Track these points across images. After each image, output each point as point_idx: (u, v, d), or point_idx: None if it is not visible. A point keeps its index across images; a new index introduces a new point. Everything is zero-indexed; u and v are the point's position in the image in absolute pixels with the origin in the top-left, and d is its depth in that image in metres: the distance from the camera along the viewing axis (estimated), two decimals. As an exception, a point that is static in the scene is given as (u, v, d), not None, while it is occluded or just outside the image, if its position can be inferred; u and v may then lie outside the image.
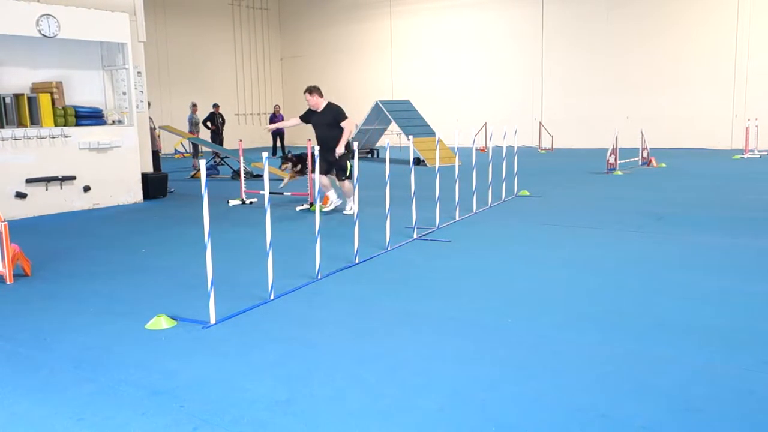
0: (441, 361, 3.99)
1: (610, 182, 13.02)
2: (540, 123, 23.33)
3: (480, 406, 3.37)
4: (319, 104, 9.38)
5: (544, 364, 3.90)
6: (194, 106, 19.25)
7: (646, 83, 22.21)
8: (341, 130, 9.20)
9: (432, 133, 17.86)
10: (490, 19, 25.17)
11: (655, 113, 21.82)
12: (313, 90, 9.40)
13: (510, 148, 11.41)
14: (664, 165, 15.68)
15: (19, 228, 8.43)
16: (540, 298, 5.26)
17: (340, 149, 9.04)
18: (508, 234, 8.02)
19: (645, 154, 15.90)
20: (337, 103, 9.54)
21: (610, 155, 14.56)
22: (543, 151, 21.91)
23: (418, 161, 16.72)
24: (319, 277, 5.93)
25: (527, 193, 11.12)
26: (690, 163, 16.70)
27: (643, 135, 15.95)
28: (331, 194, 9.67)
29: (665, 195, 11.00)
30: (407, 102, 20.21)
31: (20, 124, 10.15)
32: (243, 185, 11.27)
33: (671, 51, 21.78)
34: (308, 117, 9.58)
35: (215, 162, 16.66)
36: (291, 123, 10.44)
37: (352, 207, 8.44)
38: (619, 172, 14.26)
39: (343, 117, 9.29)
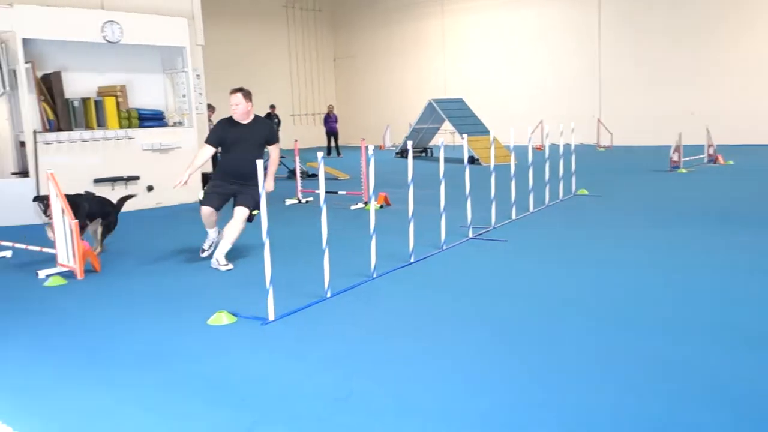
0: (499, 361, 3.97)
1: (673, 181, 12.68)
2: (598, 120, 22.86)
3: (539, 408, 3.35)
4: (247, 113, 6.76)
5: (606, 368, 3.84)
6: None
7: (710, 76, 21.45)
8: (264, 155, 6.66)
9: (486, 132, 17.72)
10: (545, 14, 24.82)
11: (721, 108, 20.95)
12: (241, 91, 6.83)
13: (567, 145, 11.23)
14: (731, 162, 15.14)
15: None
16: (600, 301, 5.17)
17: (270, 186, 6.60)
18: (566, 233, 7.90)
19: (711, 151, 15.35)
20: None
21: (674, 152, 14.13)
22: (602, 149, 21.47)
23: (472, 160, 16.62)
24: (374, 276, 5.97)
25: (586, 192, 10.93)
26: (760, 160, 16.02)
27: (708, 131, 15.41)
28: (213, 232, 6.94)
29: (732, 194, 10.65)
30: (460, 100, 20.11)
31: (87, 126, 10.53)
32: (299, 184, 11.42)
33: (738, 42, 21.00)
34: (223, 133, 6.79)
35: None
36: (204, 158, 7.08)
37: (222, 260, 6.57)
38: (684, 170, 13.85)
39: (276, 139, 6.96)
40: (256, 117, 6.89)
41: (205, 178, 11.94)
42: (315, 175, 13.74)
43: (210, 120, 19.00)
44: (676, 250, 6.76)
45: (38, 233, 7.50)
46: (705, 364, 3.78)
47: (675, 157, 14.11)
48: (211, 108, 19.17)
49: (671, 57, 22.16)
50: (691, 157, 14.99)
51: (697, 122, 18.26)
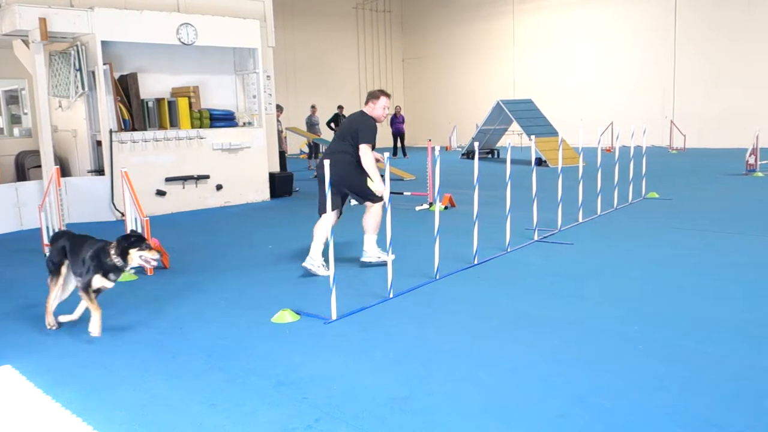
0: (562, 365, 3.89)
1: (749, 184, 12.16)
2: (671, 121, 22.14)
3: (603, 415, 3.26)
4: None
5: (674, 374, 3.71)
6: (313, 107, 19.83)
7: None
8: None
9: (555, 133, 17.42)
10: (618, 13, 24.21)
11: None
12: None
13: (638, 148, 10.91)
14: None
15: (158, 223, 9.00)
16: (668, 305, 5.01)
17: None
18: (634, 237, 7.68)
19: (791, 154, 14.68)
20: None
21: (750, 155, 13.57)
22: (674, 151, 20.79)
23: (539, 162, 16.36)
24: (437, 277, 5.94)
25: (656, 195, 10.61)
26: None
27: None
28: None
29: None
30: (529, 101, 19.82)
31: (161, 126, 10.87)
32: (364, 185, 11.47)
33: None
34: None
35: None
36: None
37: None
38: (761, 174, 13.26)
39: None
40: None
41: (271, 177, 12.17)
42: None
43: (279, 120, 19.36)
44: (748, 255, 6.47)
45: (112, 230, 7.78)
46: (784, 378, 3.61)
47: (751, 160, 13.53)
48: (279, 108, 19.48)
49: (748, 55, 21.24)
50: (770, 161, 14.36)
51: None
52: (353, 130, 6.38)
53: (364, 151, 6.22)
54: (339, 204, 6.39)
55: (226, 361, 4.16)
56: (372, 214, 6.40)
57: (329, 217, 5.24)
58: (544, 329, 4.56)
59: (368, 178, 6.31)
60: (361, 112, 6.59)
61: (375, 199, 6.36)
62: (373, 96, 6.60)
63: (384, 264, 5.94)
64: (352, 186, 6.35)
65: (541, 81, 26.15)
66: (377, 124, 6.49)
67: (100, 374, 4.03)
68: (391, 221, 5.37)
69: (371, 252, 6.48)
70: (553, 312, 4.93)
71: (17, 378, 4.01)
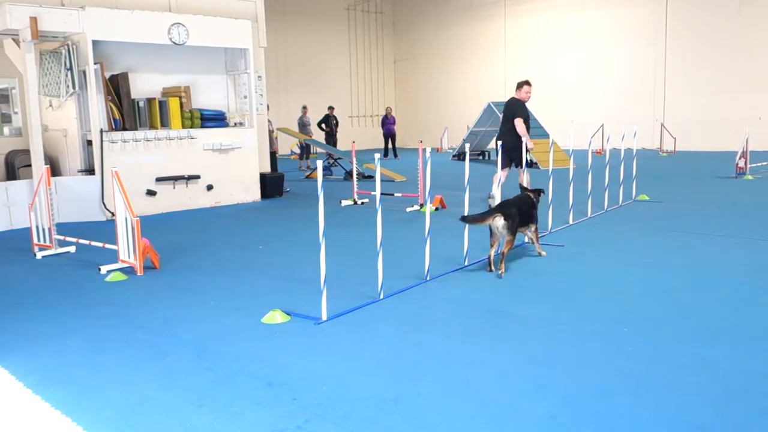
0: (552, 367, 3.91)
1: (739, 187, 12.25)
2: (662, 124, 22.27)
3: (593, 417, 3.27)
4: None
5: (663, 376, 3.73)
6: (304, 108, 19.83)
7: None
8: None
9: (545, 135, 17.48)
10: (609, 16, 24.32)
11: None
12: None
13: (628, 150, 10.96)
14: (800, 169, 14.55)
15: (149, 223, 8.98)
16: (658, 308, 5.03)
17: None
18: (624, 239, 7.72)
19: (779, 158, 14.79)
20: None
21: (740, 158, 13.66)
22: (664, 154, 20.90)
23: (530, 164, 16.39)
24: (428, 279, 5.95)
25: (646, 198, 10.66)
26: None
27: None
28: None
29: (801, 202, 10.21)
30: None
31: (152, 126, 10.84)
32: (355, 186, 11.49)
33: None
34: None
35: (329, 163, 17.08)
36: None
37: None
38: (750, 177, 13.36)
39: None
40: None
41: (262, 178, 12.15)
42: (371, 177, 13.82)
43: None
44: (737, 257, 6.52)
45: (102, 230, 7.76)
46: (770, 380, 3.64)
47: (741, 163, 13.62)
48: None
49: (737, 59, 21.41)
50: (759, 164, 14.46)
51: (765, 127, 17.60)
52: (511, 111, 9.77)
53: (517, 122, 9.58)
54: (508, 163, 9.57)
55: (215, 361, 4.15)
56: (523, 176, 8.76)
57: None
58: (533, 331, 4.58)
59: (524, 145, 8.99)
60: (513, 97, 10.04)
61: (522, 165, 8.92)
62: (520, 85, 10.00)
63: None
64: (512, 151, 9.40)
65: (532, 83, 26.15)
66: (523, 102, 9.87)
67: (89, 374, 4.01)
68: (381, 222, 5.37)
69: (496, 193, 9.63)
70: (542, 313, 4.95)
71: (6, 378, 3.99)
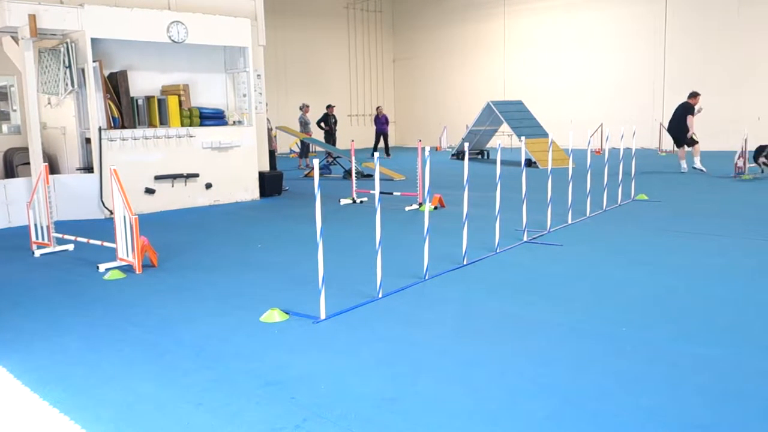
0: (550, 367, 3.91)
1: (737, 187, 12.25)
2: (660, 124, 22.24)
3: (591, 416, 3.27)
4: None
5: (662, 376, 3.73)
6: (306, 106, 19.80)
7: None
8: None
9: (545, 135, 17.47)
10: (608, 16, 24.29)
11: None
12: None
13: (627, 149, 10.96)
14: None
15: (147, 221, 8.97)
16: (657, 308, 5.04)
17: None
18: (623, 239, 7.72)
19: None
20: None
21: (739, 158, 13.66)
22: (663, 154, 20.89)
23: (529, 163, 16.41)
24: (426, 278, 5.95)
25: (645, 197, 10.66)
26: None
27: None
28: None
29: (800, 202, 10.21)
30: (519, 102, 19.88)
31: (150, 124, 10.83)
32: (354, 185, 11.49)
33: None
34: None
35: (328, 162, 17.08)
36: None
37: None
38: (748, 177, 13.36)
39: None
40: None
41: (261, 176, 12.15)
42: (370, 176, 13.82)
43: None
44: (736, 257, 6.52)
45: (101, 228, 7.75)
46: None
47: (740, 163, 13.61)
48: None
49: (736, 59, 21.38)
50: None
51: (764, 127, 17.58)
52: (684, 110, 14.32)
53: (688, 119, 14.10)
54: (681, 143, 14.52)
55: (213, 360, 4.15)
56: (695, 151, 14.15)
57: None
58: (532, 331, 4.58)
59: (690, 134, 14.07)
60: (686, 101, 14.45)
61: (690, 143, 14.22)
62: (691, 95, 14.49)
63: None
64: (679, 134, 14.32)
65: (532, 82, 26.21)
66: (693, 108, 14.37)
67: (87, 372, 4.01)
68: (380, 221, 5.37)
69: (699, 165, 14.25)
70: (541, 313, 4.95)
71: (4, 376, 3.98)
